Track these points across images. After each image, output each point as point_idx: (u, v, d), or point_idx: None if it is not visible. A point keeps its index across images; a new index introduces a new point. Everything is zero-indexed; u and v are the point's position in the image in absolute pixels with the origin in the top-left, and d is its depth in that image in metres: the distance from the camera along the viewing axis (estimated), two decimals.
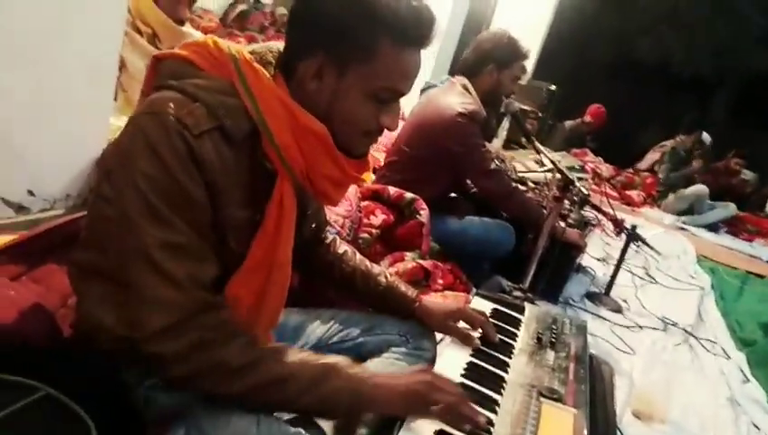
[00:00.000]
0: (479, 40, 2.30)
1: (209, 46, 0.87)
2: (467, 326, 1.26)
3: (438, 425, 0.88)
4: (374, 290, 1.26)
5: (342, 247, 1.31)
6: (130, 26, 2.00)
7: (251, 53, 0.89)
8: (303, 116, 0.86)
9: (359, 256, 1.32)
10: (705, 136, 5.70)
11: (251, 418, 0.81)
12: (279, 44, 0.93)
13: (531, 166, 3.72)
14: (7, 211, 1.44)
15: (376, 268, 1.31)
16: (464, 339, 1.22)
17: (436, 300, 1.35)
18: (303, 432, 0.84)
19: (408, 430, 0.86)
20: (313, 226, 1.13)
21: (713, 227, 4.99)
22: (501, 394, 1.08)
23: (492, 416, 1.00)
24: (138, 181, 0.77)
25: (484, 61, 2.23)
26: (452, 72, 2.43)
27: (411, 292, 1.29)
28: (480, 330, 1.25)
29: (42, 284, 1.12)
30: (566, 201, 2.43)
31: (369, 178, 1.04)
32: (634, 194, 5.35)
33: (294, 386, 0.82)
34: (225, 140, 0.82)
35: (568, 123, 6.10)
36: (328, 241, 1.30)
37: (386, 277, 1.29)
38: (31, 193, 1.47)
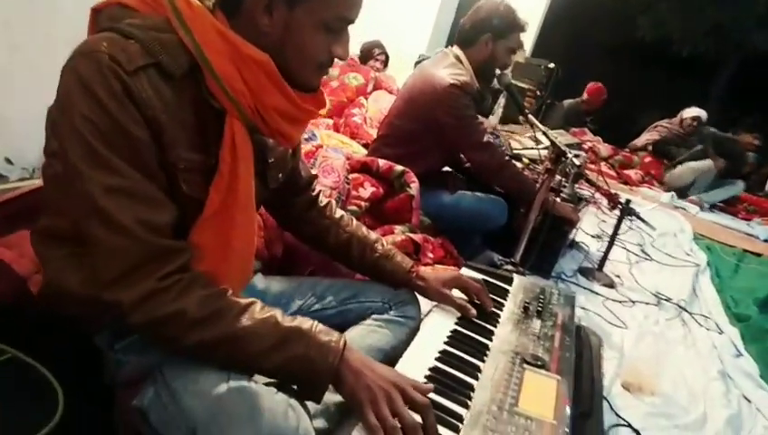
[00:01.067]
0: (477, 7, 2.24)
1: None
2: (463, 296, 1.26)
3: None
4: (369, 257, 1.25)
5: (339, 213, 1.29)
6: None
7: None
8: (244, 46, 0.83)
9: (355, 222, 1.30)
10: (701, 111, 5.67)
11: (221, 375, 0.79)
12: None
13: (527, 144, 3.68)
14: None
15: (372, 235, 1.29)
16: (461, 309, 1.21)
17: (429, 270, 1.32)
18: (275, 389, 0.82)
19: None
20: (280, 175, 1.09)
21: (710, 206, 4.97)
22: (483, 361, 1.06)
23: (473, 381, 0.99)
24: (76, 125, 0.75)
25: (481, 29, 2.18)
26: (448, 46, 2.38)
27: (407, 261, 1.28)
28: (476, 299, 1.25)
29: (14, 249, 1.09)
30: (559, 176, 2.39)
31: (324, 113, 1.01)
32: (632, 173, 5.31)
33: (257, 345, 0.80)
34: (162, 77, 0.79)
35: (566, 102, 6.04)
36: (322, 204, 1.28)
37: (382, 245, 1.27)
38: (9, 161, 1.45)
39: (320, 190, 1.30)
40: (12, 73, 1.37)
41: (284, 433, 0.78)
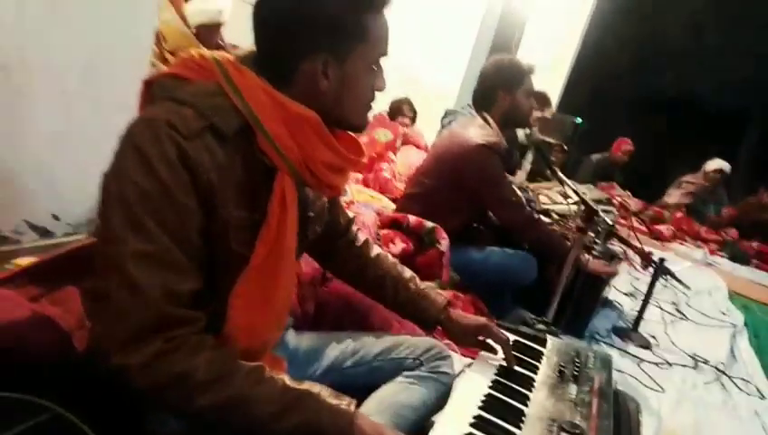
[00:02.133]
0: (483, 71, 2.34)
1: (193, 57, 0.89)
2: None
3: None
4: (403, 295, 1.28)
5: (375, 250, 1.33)
6: (158, 57, 2.06)
7: (235, 56, 0.91)
8: (292, 105, 0.87)
9: (391, 259, 1.33)
10: (724, 164, 5.66)
11: None
12: None
13: (556, 199, 3.67)
14: (32, 235, 1.47)
15: (407, 273, 1.32)
16: (487, 347, 1.24)
17: (463, 313, 1.34)
18: None
19: None
20: (318, 229, 1.13)
21: (743, 261, 4.84)
22: (520, 428, 1.04)
23: None
24: (125, 190, 0.78)
25: (493, 89, 2.26)
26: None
27: (441, 300, 1.29)
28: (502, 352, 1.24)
29: (59, 305, 1.12)
30: (591, 233, 2.38)
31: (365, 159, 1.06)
32: (663, 228, 5.23)
33: (266, 409, 0.80)
34: (216, 139, 0.83)
35: (594, 156, 6.05)
36: (359, 243, 1.31)
37: (415, 284, 1.30)
38: (56, 217, 1.50)
39: (357, 229, 1.34)
40: (64, 137, 1.44)
41: None
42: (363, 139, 3.60)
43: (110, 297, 0.77)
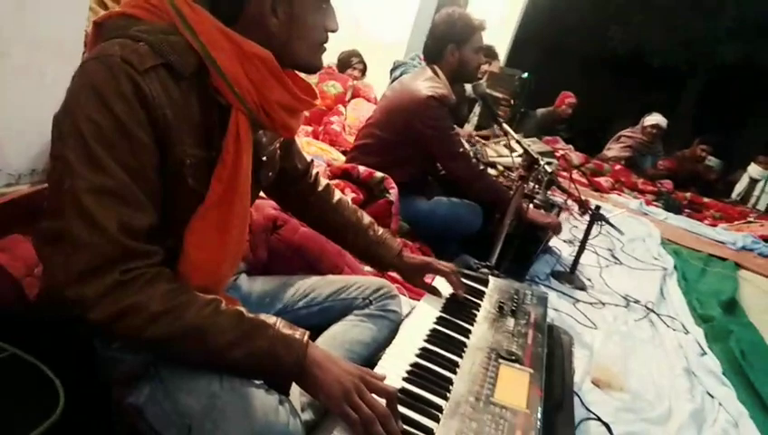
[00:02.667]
0: (433, 24, 2.37)
1: None
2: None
3: None
4: (362, 242, 1.37)
5: (336, 196, 1.39)
6: (95, 2, 1.99)
7: None
8: (247, 44, 0.88)
9: (351, 205, 1.41)
10: (661, 118, 5.91)
11: (213, 374, 0.83)
12: None
13: (502, 151, 3.77)
14: None
15: (366, 220, 1.39)
16: (434, 292, 1.36)
17: (413, 255, 1.46)
18: (266, 387, 0.86)
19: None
20: (270, 174, 1.15)
21: (676, 211, 5.13)
22: (461, 357, 1.12)
23: (452, 375, 1.05)
24: (79, 125, 0.77)
25: (443, 42, 2.29)
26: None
27: (396, 246, 1.40)
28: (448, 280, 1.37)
29: (7, 253, 1.12)
30: (532, 182, 2.48)
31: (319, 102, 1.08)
32: (602, 180, 5.46)
33: (219, 338, 0.82)
34: (172, 77, 0.83)
35: (539, 111, 6.18)
36: (320, 188, 1.37)
37: (374, 230, 1.38)
38: None
39: (317, 172, 1.38)
40: None
41: (276, 428, 0.82)
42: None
43: (66, 232, 0.77)
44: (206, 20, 0.87)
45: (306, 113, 3.15)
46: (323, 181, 1.39)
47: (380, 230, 1.40)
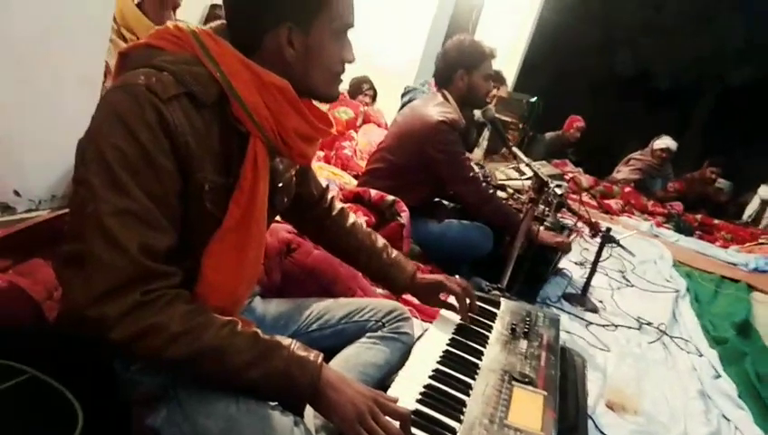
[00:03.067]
0: (444, 49, 2.41)
1: (169, 29, 0.92)
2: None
3: None
4: (376, 264, 1.38)
5: (351, 219, 1.41)
6: (115, 34, 2.05)
7: (209, 28, 0.94)
8: (266, 75, 0.91)
9: (366, 228, 1.43)
10: (671, 142, 5.91)
11: (230, 397, 0.84)
12: None
13: (511, 175, 3.79)
14: None
15: (380, 242, 1.41)
16: (449, 307, 1.36)
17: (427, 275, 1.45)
18: (281, 408, 0.87)
19: None
20: (285, 200, 1.17)
21: (687, 233, 5.10)
22: (474, 379, 1.12)
23: (465, 398, 1.05)
24: (104, 153, 0.80)
25: (453, 68, 2.33)
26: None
27: (410, 268, 1.40)
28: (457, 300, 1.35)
29: (28, 277, 1.15)
30: (542, 204, 2.49)
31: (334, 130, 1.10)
32: (612, 202, 5.45)
33: (236, 359, 0.83)
34: (194, 106, 0.86)
35: (548, 135, 6.21)
36: (335, 212, 1.39)
37: (388, 253, 1.39)
38: (17, 193, 1.50)
39: (332, 197, 1.41)
40: (22, 108, 1.43)
41: None
42: None
43: (88, 254, 0.78)
44: (227, 51, 0.90)
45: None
46: (338, 205, 1.41)
47: (394, 253, 1.41)
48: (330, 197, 1.40)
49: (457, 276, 1.46)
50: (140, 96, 0.81)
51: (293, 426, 0.86)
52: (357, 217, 2.04)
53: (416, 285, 1.39)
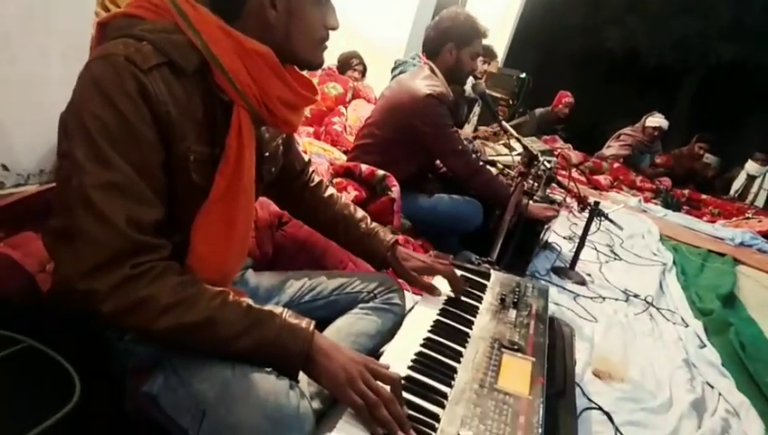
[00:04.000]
0: (439, 19, 2.37)
1: None
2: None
3: None
4: (354, 235, 1.35)
5: (329, 191, 1.39)
6: (99, 6, 2.02)
7: None
8: (247, 41, 0.91)
9: (344, 200, 1.40)
10: (663, 121, 5.93)
11: (225, 362, 0.85)
12: None
13: (501, 151, 3.80)
14: None
15: (358, 214, 1.38)
16: (429, 290, 1.32)
17: (411, 252, 1.40)
18: (275, 372, 0.89)
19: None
20: (273, 169, 1.17)
21: (675, 208, 5.16)
22: (464, 347, 1.15)
23: (455, 364, 1.07)
24: (85, 123, 0.80)
25: (444, 39, 2.31)
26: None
27: (388, 239, 1.35)
28: (449, 282, 1.35)
29: (19, 249, 1.14)
30: (531, 179, 2.51)
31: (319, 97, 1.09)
32: (601, 178, 5.49)
33: (228, 329, 0.84)
34: (174, 75, 0.86)
35: (538, 111, 6.21)
36: (314, 184, 1.37)
37: (366, 223, 1.37)
38: (5, 168, 1.49)
39: (313, 171, 1.40)
40: (9, 84, 1.42)
41: (287, 411, 0.84)
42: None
43: (76, 229, 0.79)
44: (207, 18, 0.89)
45: (307, 112, 3.18)
46: (317, 178, 1.40)
47: (373, 224, 1.39)
48: (310, 170, 1.40)
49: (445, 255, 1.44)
50: (120, 67, 0.81)
51: (289, 389, 0.87)
52: (348, 192, 2.07)
53: (396, 260, 1.34)
